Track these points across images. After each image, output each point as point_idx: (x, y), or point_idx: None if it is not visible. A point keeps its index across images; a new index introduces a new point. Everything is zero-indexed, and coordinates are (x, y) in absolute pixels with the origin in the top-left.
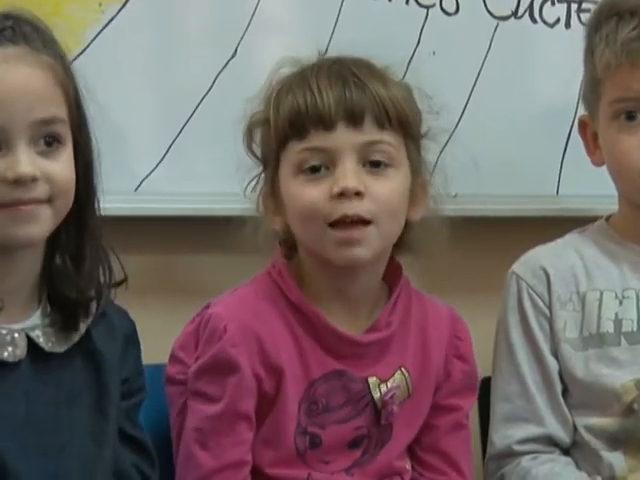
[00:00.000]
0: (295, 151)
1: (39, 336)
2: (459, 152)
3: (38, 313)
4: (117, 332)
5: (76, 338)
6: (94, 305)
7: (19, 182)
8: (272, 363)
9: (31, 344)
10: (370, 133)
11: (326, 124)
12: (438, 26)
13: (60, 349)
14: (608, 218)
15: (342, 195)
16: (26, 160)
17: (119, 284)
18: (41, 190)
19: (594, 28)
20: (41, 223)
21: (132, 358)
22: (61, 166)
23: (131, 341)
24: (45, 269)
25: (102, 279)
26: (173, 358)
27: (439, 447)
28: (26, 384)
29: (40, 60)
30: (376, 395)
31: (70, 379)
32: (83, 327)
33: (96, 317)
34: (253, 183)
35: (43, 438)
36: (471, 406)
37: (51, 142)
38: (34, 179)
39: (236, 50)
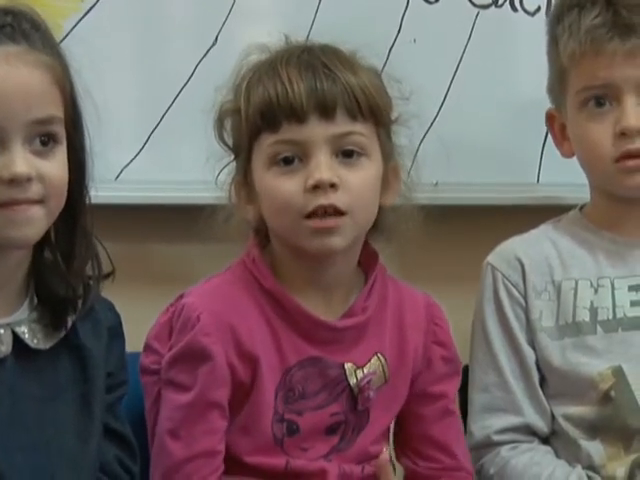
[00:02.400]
0: (267, 143)
1: (25, 332)
2: (439, 140)
3: (24, 308)
4: (102, 326)
5: (62, 334)
6: (81, 301)
7: (14, 182)
8: (247, 352)
9: (16, 340)
10: (342, 125)
11: (298, 117)
12: (419, 14)
13: (45, 346)
14: (582, 208)
15: (317, 188)
16: (21, 160)
17: (107, 277)
18: (35, 190)
19: (556, 20)
20: (36, 225)
21: (116, 352)
22: (55, 166)
23: (115, 335)
24: (34, 265)
25: (91, 273)
26: (147, 348)
27: (430, 435)
28: (11, 381)
29: (39, 60)
30: (352, 381)
31: (56, 375)
32: (69, 323)
33: (83, 312)
34: (225, 171)
35: (28, 435)
36: (456, 389)
37: (46, 141)
38: (29, 179)
39: (217, 38)
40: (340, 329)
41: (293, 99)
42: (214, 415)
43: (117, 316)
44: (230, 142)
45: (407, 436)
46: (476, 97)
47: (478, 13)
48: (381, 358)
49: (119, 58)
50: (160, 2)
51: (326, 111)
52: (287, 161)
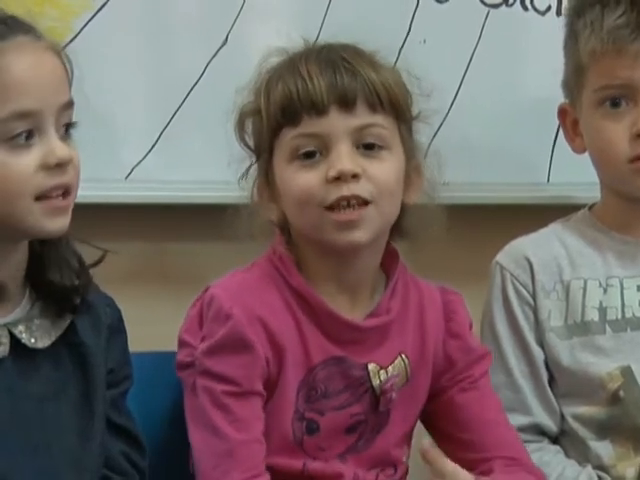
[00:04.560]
0: (288, 138)
1: (22, 332)
2: (450, 140)
3: (22, 307)
4: (102, 323)
5: (60, 330)
6: (78, 296)
7: (59, 167)
8: (277, 344)
9: (14, 340)
10: (363, 116)
11: (318, 109)
12: (429, 14)
13: (44, 344)
14: (591, 207)
15: (338, 179)
16: (61, 144)
17: (98, 262)
18: (69, 177)
19: (577, 14)
20: (68, 215)
21: (117, 347)
22: (77, 155)
23: (115, 330)
24: (30, 260)
25: (77, 265)
26: (180, 343)
27: (454, 418)
28: (10, 381)
29: (52, 47)
30: (375, 382)
31: (55, 374)
32: (69, 317)
33: (83, 308)
34: (245, 172)
35: (29, 435)
36: (483, 371)
37: (67, 130)
38: (68, 163)
39: (227, 38)
40: (365, 329)
41: (313, 92)
42: (259, 403)
43: (117, 311)
44: (251, 144)
45: (441, 434)
46: (486, 96)
47: (488, 12)
48: (405, 359)
49: (130, 57)
50: (171, 1)
51: (346, 103)
52: (308, 155)
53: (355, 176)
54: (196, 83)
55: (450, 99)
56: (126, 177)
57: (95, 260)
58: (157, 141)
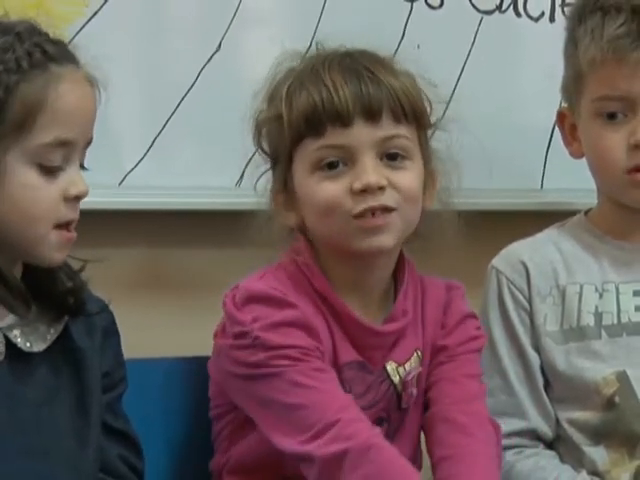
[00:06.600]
0: (312, 149)
1: (17, 336)
2: (443, 146)
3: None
4: (96, 327)
5: (56, 333)
6: (72, 297)
7: (77, 199)
8: (318, 341)
9: (9, 344)
10: (387, 128)
11: (344, 121)
12: (423, 20)
13: (39, 348)
14: (587, 212)
15: (364, 191)
16: (82, 178)
17: (80, 271)
18: (78, 211)
19: (577, 20)
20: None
21: (111, 351)
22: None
23: (109, 333)
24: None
25: (67, 268)
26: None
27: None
28: (6, 386)
29: (93, 82)
30: (396, 379)
31: (51, 378)
32: (62, 324)
33: (79, 310)
34: (256, 177)
35: (26, 439)
36: (467, 349)
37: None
38: (83, 198)
39: (220, 44)
40: (384, 334)
41: (339, 104)
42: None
43: (110, 315)
44: (267, 149)
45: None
46: (480, 103)
47: (482, 18)
48: (420, 355)
49: (123, 63)
50: (164, 7)
51: (372, 115)
52: (331, 166)
53: (381, 188)
54: (190, 89)
55: (443, 105)
56: (120, 183)
57: (77, 268)
58: (151, 147)
